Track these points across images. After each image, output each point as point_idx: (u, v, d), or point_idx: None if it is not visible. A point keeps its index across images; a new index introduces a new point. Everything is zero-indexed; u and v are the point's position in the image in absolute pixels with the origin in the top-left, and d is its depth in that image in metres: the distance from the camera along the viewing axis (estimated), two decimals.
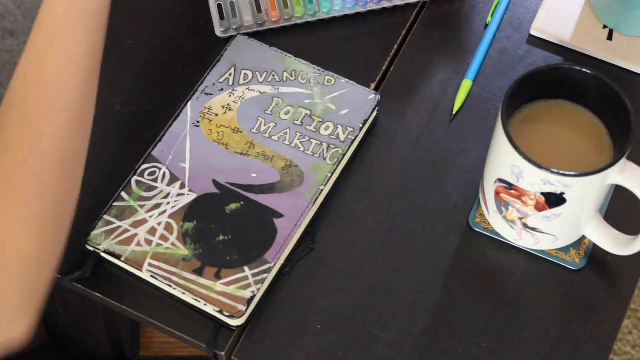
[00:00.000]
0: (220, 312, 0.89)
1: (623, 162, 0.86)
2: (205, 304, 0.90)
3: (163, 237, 0.92)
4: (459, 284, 0.93)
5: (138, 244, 0.92)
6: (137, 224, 0.93)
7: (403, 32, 1.06)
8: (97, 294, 0.92)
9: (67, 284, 0.92)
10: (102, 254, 0.92)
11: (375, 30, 1.06)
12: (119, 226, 0.93)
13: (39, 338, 1.11)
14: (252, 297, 0.90)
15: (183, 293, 0.90)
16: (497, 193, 0.90)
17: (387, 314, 0.92)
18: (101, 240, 0.92)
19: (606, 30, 1.04)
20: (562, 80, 0.90)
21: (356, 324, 0.91)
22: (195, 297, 0.90)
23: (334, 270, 0.93)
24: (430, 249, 0.95)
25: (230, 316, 0.89)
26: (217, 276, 0.91)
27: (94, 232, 0.92)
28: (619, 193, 0.95)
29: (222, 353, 0.90)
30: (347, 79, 1.00)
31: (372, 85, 1.02)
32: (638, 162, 0.87)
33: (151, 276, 0.90)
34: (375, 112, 0.99)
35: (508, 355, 0.90)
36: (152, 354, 1.24)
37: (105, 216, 0.93)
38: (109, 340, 1.11)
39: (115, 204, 0.94)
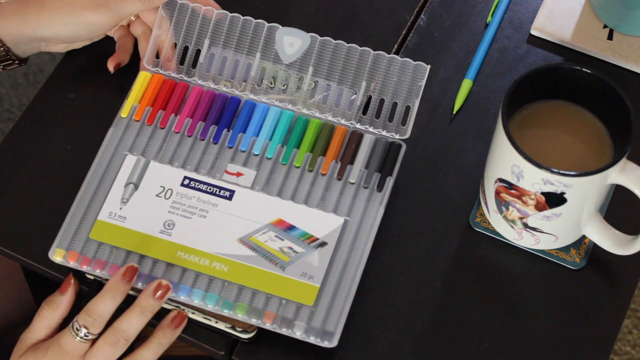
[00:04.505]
0: (233, 328, 0.89)
1: (623, 162, 0.86)
2: (216, 322, 0.89)
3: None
4: (459, 284, 0.93)
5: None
6: None
7: (403, 33, 1.06)
8: None
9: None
10: (104, 282, 0.91)
11: (375, 30, 1.06)
12: None
13: None
14: None
15: (193, 313, 0.90)
16: (497, 193, 0.90)
17: (387, 314, 0.92)
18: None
19: (606, 30, 1.04)
20: (562, 80, 0.90)
21: (356, 324, 0.91)
22: (206, 316, 0.90)
23: None
24: (430, 248, 0.95)
25: (243, 331, 0.89)
26: None
27: None
28: (619, 193, 0.95)
29: (222, 353, 0.90)
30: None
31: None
32: (638, 162, 0.87)
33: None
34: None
35: (508, 355, 0.90)
36: None
37: None
38: None
39: None
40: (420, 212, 0.96)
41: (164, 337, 0.88)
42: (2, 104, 1.78)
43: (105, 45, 1.01)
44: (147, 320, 0.88)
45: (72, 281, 0.90)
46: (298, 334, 0.87)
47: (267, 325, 0.87)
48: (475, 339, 0.91)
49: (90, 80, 1.02)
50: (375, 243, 0.92)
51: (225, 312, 0.88)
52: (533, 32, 1.05)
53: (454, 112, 1.01)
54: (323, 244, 0.90)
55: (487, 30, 1.05)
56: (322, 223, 0.91)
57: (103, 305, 0.87)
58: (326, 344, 0.87)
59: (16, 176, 0.97)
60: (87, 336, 0.87)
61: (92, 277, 0.91)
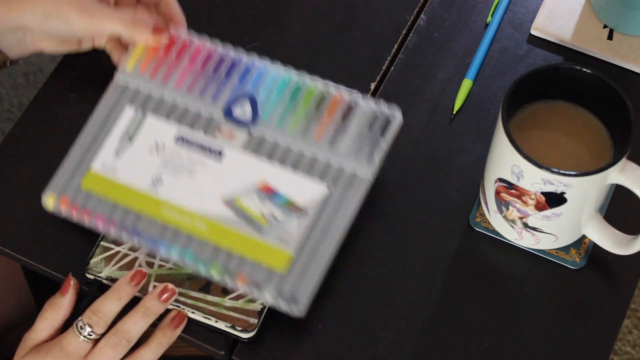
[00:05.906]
0: (233, 327, 0.89)
1: (623, 162, 0.86)
2: (216, 321, 0.90)
3: (164, 258, 0.92)
4: (459, 284, 0.93)
5: (140, 267, 0.91)
6: (136, 247, 0.93)
7: (403, 32, 1.06)
8: None
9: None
10: (105, 281, 0.91)
11: (375, 30, 1.06)
12: (118, 251, 0.92)
13: None
14: (262, 309, 0.90)
15: (192, 312, 0.90)
16: (497, 193, 0.90)
17: (387, 314, 0.92)
18: (102, 268, 0.91)
19: (606, 30, 1.05)
20: (562, 80, 0.90)
21: (356, 324, 0.91)
22: (206, 316, 0.90)
23: (334, 270, 0.93)
24: (430, 249, 0.95)
25: (243, 330, 0.89)
26: (225, 292, 0.90)
27: (94, 260, 0.92)
28: (619, 193, 0.95)
29: (222, 353, 0.90)
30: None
31: (373, 85, 1.02)
32: (638, 162, 0.87)
33: None
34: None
35: (508, 355, 0.90)
36: None
37: (102, 242, 0.93)
38: None
39: None
40: (420, 212, 0.96)
41: (164, 337, 0.89)
42: (2, 104, 1.78)
43: None
44: (150, 322, 0.88)
45: (72, 282, 0.90)
46: (268, 297, 0.87)
47: (240, 287, 0.87)
48: (475, 339, 0.91)
49: (90, 80, 1.02)
50: (375, 243, 0.92)
51: (201, 270, 0.87)
52: (533, 32, 1.05)
53: (454, 112, 1.01)
54: (304, 213, 0.90)
55: (487, 30, 1.05)
56: (307, 191, 0.90)
57: (108, 304, 0.87)
58: (294, 310, 0.86)
59: (16, 176, 0.97)
60: (91, 335, 0.87)
61: (92, 277, 0.91)
